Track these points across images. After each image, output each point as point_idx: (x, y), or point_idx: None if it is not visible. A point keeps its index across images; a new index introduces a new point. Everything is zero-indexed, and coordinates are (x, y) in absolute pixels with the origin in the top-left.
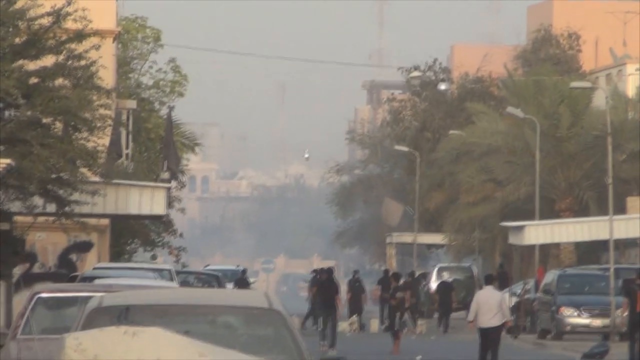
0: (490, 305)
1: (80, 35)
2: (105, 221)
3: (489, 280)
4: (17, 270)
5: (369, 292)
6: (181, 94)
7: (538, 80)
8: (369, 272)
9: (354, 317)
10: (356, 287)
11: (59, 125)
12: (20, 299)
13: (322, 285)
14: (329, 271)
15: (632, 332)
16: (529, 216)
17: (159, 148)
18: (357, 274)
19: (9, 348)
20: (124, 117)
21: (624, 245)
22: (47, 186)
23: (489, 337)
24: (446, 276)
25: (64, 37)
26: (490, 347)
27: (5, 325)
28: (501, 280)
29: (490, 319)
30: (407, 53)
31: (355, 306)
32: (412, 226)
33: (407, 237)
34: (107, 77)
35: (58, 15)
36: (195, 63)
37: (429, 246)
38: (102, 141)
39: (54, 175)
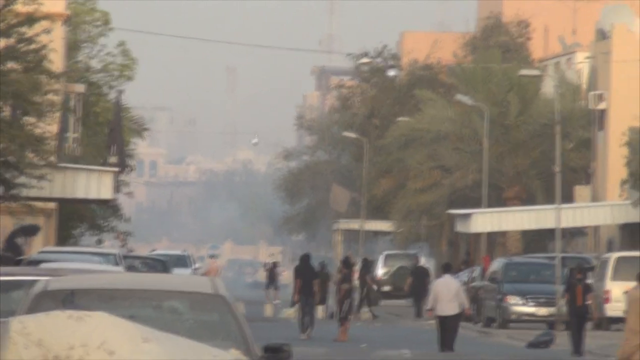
0: (449, 293)
1: (31, 20)
2: (52, 205)
3: (447, 268)
4: None
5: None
6: (130, 78)
7: (487, 68)
8: (315, 259)
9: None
10: (323, 275)
11: (8, 110)
12: None
13: (299, 271)
14: (306, 257)
15: (573, 324)
16: (477, 204)
17: (107, 132)
18: (324, 265)
19: None
20: (72, 101)
21: (571, 234)
22: None
23: (447, 325)
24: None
25: (14, 21)
26: (448, 334)
27: None
28: (445, 267)
29: (448, 307)
30: (356, 39)
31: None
32: (360, 213)
33: (354, 224)
34: (56, 60)
35: None
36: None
37: (376, 233)
38: (50, 127)
39: (1, 159)
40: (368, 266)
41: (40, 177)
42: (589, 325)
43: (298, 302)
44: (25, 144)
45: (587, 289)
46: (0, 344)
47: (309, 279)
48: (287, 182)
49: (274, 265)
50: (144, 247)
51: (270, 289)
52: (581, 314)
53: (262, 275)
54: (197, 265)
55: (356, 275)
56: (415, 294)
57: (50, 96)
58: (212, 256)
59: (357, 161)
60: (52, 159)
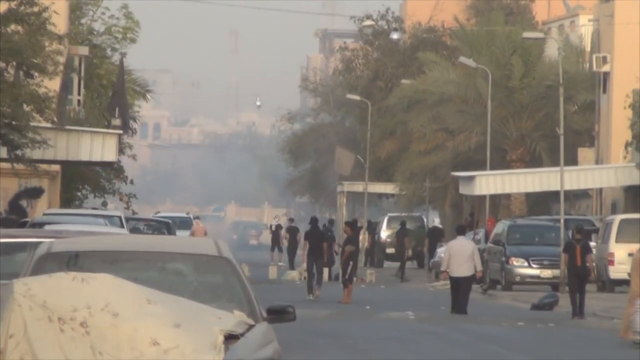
0: (462, 255)
1: None
2: (56, 167)
3: (461, 230)
4: None
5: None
6: (133, 40)
7: (490, 31)
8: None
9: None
10: (328, 237)
11: (10, 70)
12: None
13: (309, 234)
14: (314, 220)
15: (573, 285)
16: (480, 166)
17: (110, 95)
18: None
19: None
20: (76, 63)
21: (575, 196)
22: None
23: (461, 286)
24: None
25: None
26: (461, 296)
27: None
28: (459, 229)
29: (462, 268)
30: (359, 2)
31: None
32: (364, 175)
33: (358, 186)
34: (59, 23)
35: None
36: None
37: (380, 195)
38: (53, 86)
39: (6, 121)
40: (373, 228)
41: (43, 142)
42: (593, 287)
43: (305, 263)
44: (27, 102)
45: (586, 249)
46: (4, 305)
47: (318, 242)
48: (291, 144)
49: (278, 227)
50: (147, 210)
51: (275, 251)
52: (581, 274)
53: (266, 238)
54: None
55: (361, 237)
56: (430, 255)
57: (53, 56)
58: (196, 217)
59: (361, 124)
60: (56, 118)
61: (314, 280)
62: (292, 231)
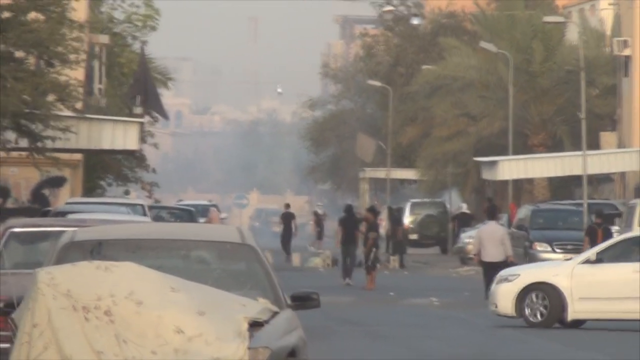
0: (494, 240)
1: None
2: (78, 156)
3: (492, 215)
4: None
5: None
6: (153, 28)
7: (511, 15)
8: (340, 208)
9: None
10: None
11: (32, 59)
12: None
13: (343, 221)
14: (349, 207)
15: None
16: (502, 151)
17: (131, 83)
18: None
19: None
20: (97, 50)
21: (597, 180)
22: (21, 121)
23: (492, 271)
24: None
25: None
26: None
27: None
28: (490, 214)
29: (493, 253)
30: None
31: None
32: (385, 161)
33: (380, 173)
34: (80, 11)
35: None
36: None
37: (402, 181)
38: (75, 74)
39: (27, 110)
40: (395, 214)
41: (65, 129)
42: None
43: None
44: (49, 91)
45: (608, 233)
46: (29, 294)
47: (352, 229)
48: (312, 131)
49: (318, 214)
50: (170, 198)
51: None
52: None
53: None
54: (223, 215)
55: (383, 223)
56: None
57: (74, 44)
58: (213, 205)
59: (382, 110)
60: (78, 106)
61: (349, 265)
62: (287, 217)
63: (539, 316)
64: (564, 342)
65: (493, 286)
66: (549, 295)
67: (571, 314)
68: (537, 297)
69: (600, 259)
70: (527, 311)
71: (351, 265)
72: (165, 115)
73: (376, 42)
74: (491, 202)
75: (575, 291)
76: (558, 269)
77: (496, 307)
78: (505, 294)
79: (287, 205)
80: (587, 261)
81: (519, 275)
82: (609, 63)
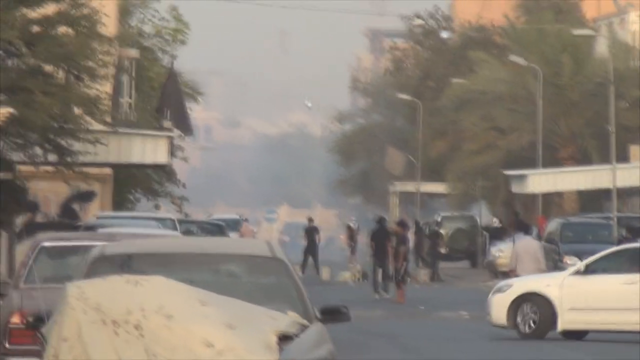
0: (529, 254)
1: None
2: (107, 170)
3: (526, 230)
4: (20, 220)
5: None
6: (183, 42)
7: (540, 28)
8: (370, 222)
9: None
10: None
11: (61, 74)
12: (22, 249)
13: (375, 234)
14: (382, 220)
15: None
16: (532, 164)
17: (160, 97)
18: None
19: (11, 297)
20: (127, 64)
21: (627, 193)
22: (49, 135)
23: None
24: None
25: None
26: None
27: (7, 274)
28: (524, 228)
29: (530, 267)
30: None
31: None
32: (415, 175)
33: (409, 186)
34: (109, 25)
35: None
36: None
37: (431, 195)
38: (104, 88)
39: (56, 125)
40: (421, 228)
41: (95, 141)
42: None
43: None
44: (78, 105)
45: None
46: (58, 309)
47: (383, 241)
48: (341, 145)
49: (351, 228)
50: (199, 212)
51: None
52: None
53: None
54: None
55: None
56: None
57: (103, 58)
58: (245, 219)
59: (412, 123)
60: (108, 119)
61: (377, 277)
62: (311, 231)
63: (531, 326)
64: (594, 354)
65: (489, 296)
66: (539, 305)
67: (561, 325)
68: (528, 307)
69: (590, 270)
70: (519, 321)
71: (386, 278)
72: (188, 131)
73: (405, 55)
74: (517, 215)
75: (565, 302)
76: (549, 279)
77: (490, 317)
78: (498, 304)
79: (311, 220)
80: (577, 272)
81: (511, 285)
82: (638, 76)
